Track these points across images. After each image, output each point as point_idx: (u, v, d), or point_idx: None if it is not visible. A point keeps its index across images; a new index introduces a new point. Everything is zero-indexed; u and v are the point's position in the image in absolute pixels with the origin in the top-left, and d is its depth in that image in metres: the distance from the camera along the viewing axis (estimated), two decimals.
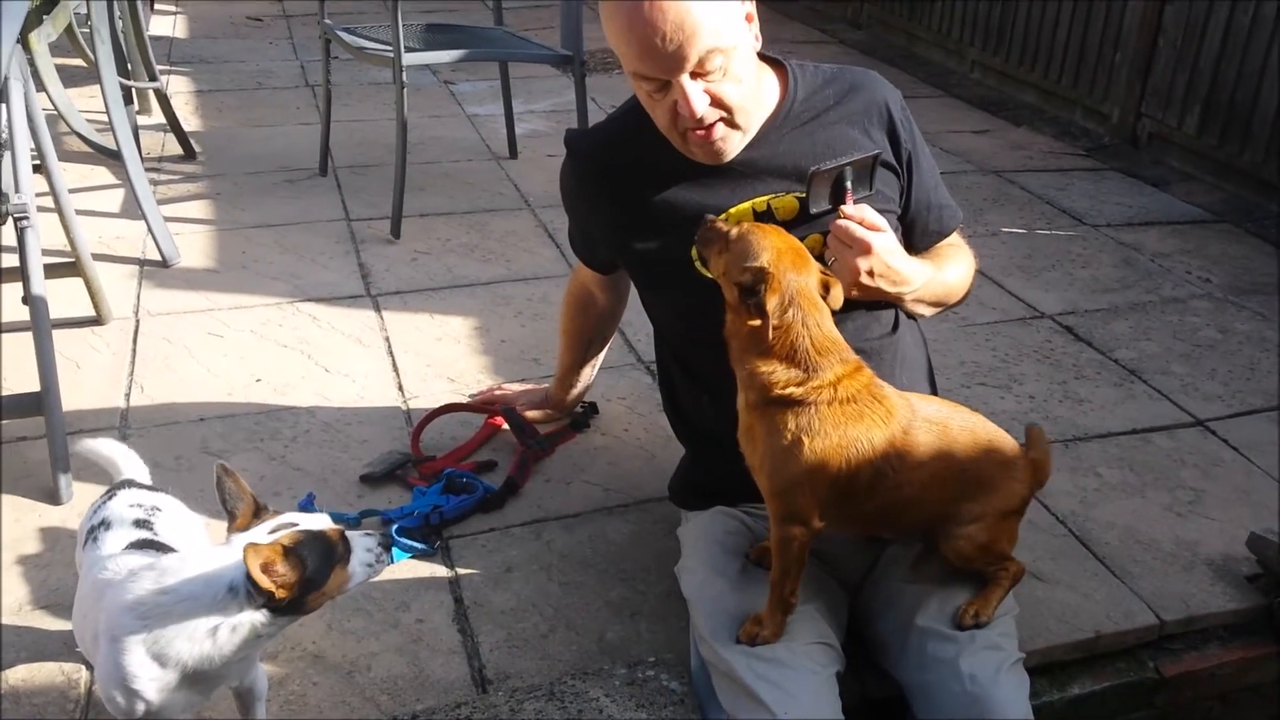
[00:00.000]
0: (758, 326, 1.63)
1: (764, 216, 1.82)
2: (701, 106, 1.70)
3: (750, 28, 1.75)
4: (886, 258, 1.73)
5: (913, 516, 1.79)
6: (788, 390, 1.64)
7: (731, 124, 1.76)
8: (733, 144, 1.79)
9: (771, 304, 1.62)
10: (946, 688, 1.72)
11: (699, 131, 1.75)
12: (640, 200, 1.89)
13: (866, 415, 1.67)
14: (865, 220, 1.73)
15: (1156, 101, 4.84)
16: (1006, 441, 1.82)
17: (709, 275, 1.76)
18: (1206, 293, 3.60)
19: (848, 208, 1.74)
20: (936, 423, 1.74)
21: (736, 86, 1.72)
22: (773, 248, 1.64)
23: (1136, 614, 2.17)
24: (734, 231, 1.67)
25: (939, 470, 1.73)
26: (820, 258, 1.78)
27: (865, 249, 1.71)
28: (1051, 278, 3.63)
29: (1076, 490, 2.54)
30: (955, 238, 2.06)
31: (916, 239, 1.98)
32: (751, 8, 1.75)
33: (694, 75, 1.68)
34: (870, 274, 1.73)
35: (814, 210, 1.76)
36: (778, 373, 1.65)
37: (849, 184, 1.74)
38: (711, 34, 1.64)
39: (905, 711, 1.81)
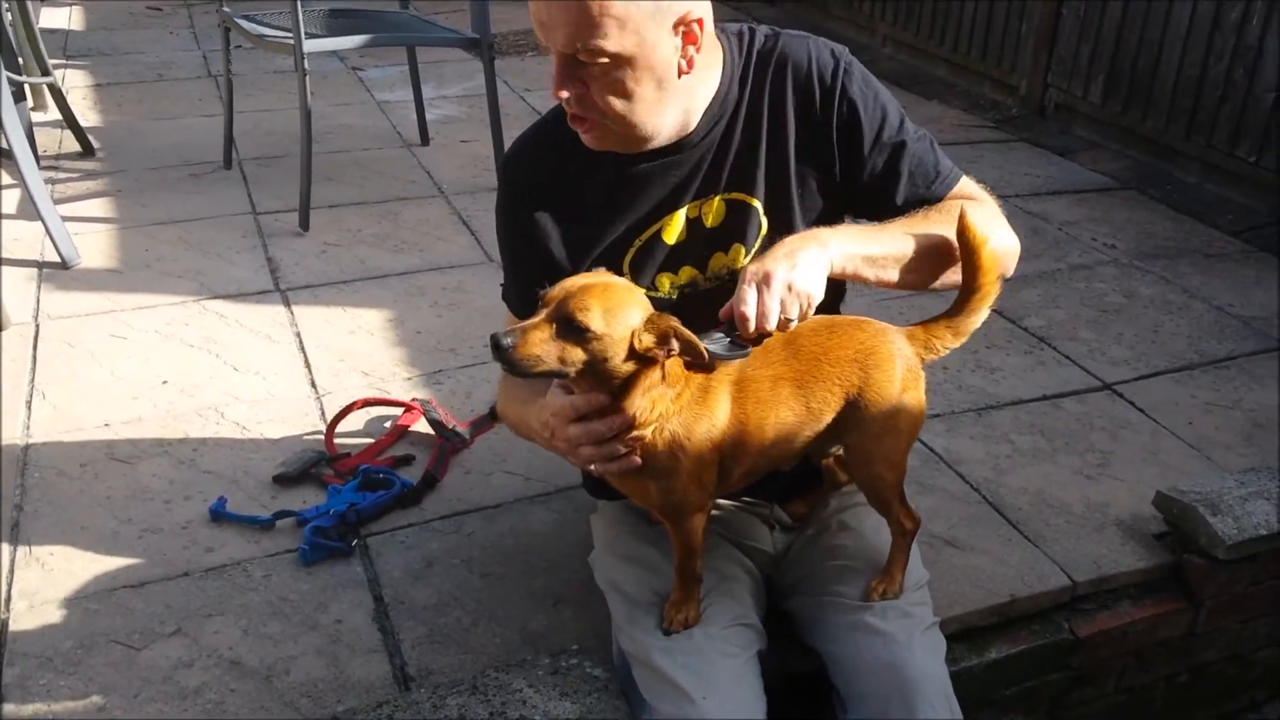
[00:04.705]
0: (662, 365, 1.57)
1: (695, 224, 1.76)
2: (564, 90, 1.58)
3: (674, 45, 1.57)
4: (797, 291, 1.56)
5: (775, 455, 1.72)
6: (667, 413, 1.60)
7: (603, 126, 1.64)
8: (609, 141, 1.67)
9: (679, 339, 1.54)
10: (862, 656, 1.75)
11: (571, 112, 1.64)
12: (573, 213, 1.77)
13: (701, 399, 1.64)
14: (762, 320, 1.54)
15: (1062, 72, 4.92)
16: (854, 336, 1.70)
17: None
18: (1112, 259, 3.68)
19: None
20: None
21: (618, 100, 1.59)
22: (638, 297, 1.57)
23: (1050, 576, 2.21)
24: (596, 324, 1.50)
25: (768, 404, 1.67)
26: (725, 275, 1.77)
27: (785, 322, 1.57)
28: None
29: (989, 457, 2.58)
30: (966, 189, 1.82)
31: (885, 205, 1.76)
32: (696, 27, 1.58)
33: (573, 59, 1.55)
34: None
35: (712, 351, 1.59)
36: (665, 398, 1.60)
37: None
38: (600, 32, 1.51)
39: (828, 683, 1.84)
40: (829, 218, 1.76)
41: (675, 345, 1.53)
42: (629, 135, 1.66)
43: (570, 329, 1.50)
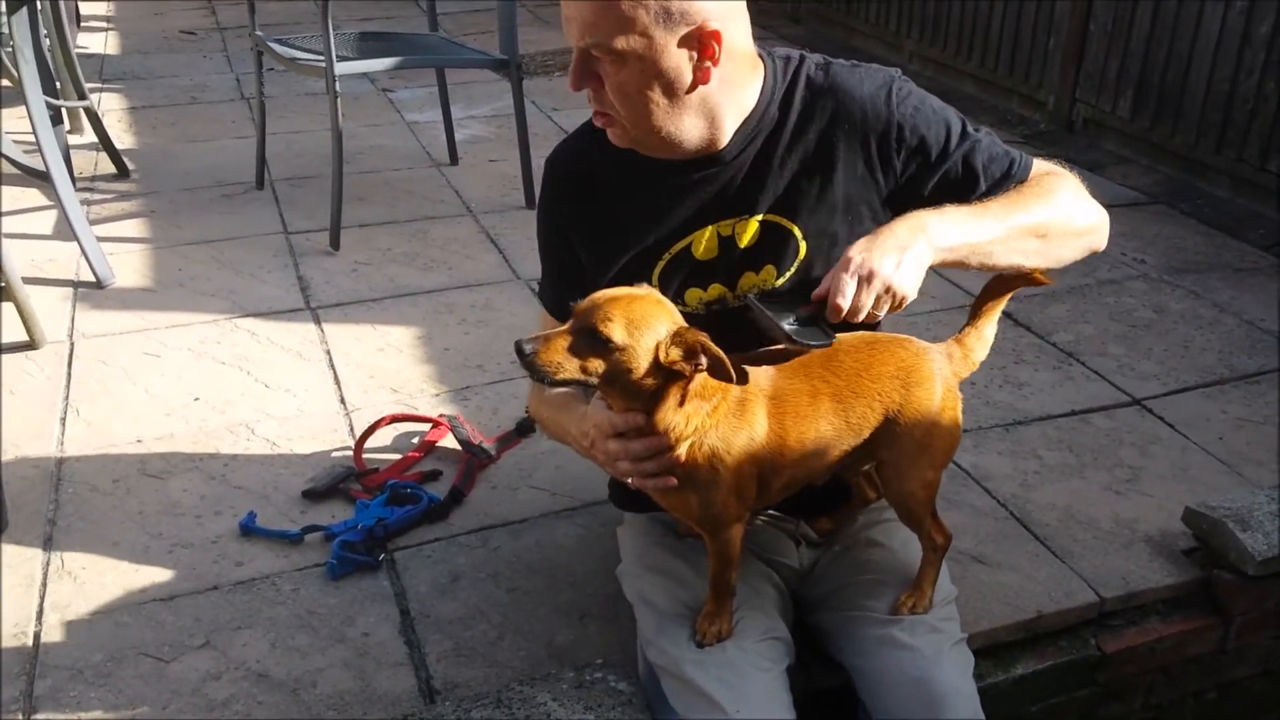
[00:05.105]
0: (690, 379, 1.58)
1: (727, 242, 1.77)
2: (577, 83, 1.64)
3: (687, 54, 1.59)
4: (894, 291, 1.57)
5: (813, 468, 1.73)
6: (702, 428, 1.62)
7: (622, 126, 1.68)
8: (627, 140, 1.71)
9: (708, 355, 1.54)
10: (891, 671, 1.74)
11: (594, 109, 1.69)
12: (607, 218, 1.81)
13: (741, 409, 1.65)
14: (855, 307, 1.56)
15: (1090, 87, 4.90)
16: (896, 354, 1.72)
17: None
18: (1141, 273, 3.66)
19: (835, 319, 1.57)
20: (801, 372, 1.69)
21: (628, 100, 1.62)
22: (666, 311, 1.58)
23: (1077, 592, 2.19)
24: (618, 335, 1.52)
25: (806, 417, 1.68)
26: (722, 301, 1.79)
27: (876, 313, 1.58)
28: None
29: (1017, 473, 2.57)
30: (1044, 167, 1.82)
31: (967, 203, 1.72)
32: (714, 41, 1.58)
33: (588, 54, 1.60)
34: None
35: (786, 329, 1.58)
36: (700, 412, 1.61)
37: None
38: (608, 30, 1.55)
39: (853, 699, 1.83)
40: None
41: (704, 361, 1.54)
42: (647, 138, 1.69)
43: (593, 340, 1.52)
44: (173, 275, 3.53)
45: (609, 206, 1.80)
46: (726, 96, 1.68)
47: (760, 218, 1.76)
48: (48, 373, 2.95)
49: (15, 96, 3.49)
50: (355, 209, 3.97)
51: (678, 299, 1.78)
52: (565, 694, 1.84)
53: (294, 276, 3.54)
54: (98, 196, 4.18)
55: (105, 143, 4.38)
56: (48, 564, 2.25)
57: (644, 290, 1.60)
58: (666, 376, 1.56)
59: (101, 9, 7.34)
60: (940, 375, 1.73)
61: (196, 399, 2.84)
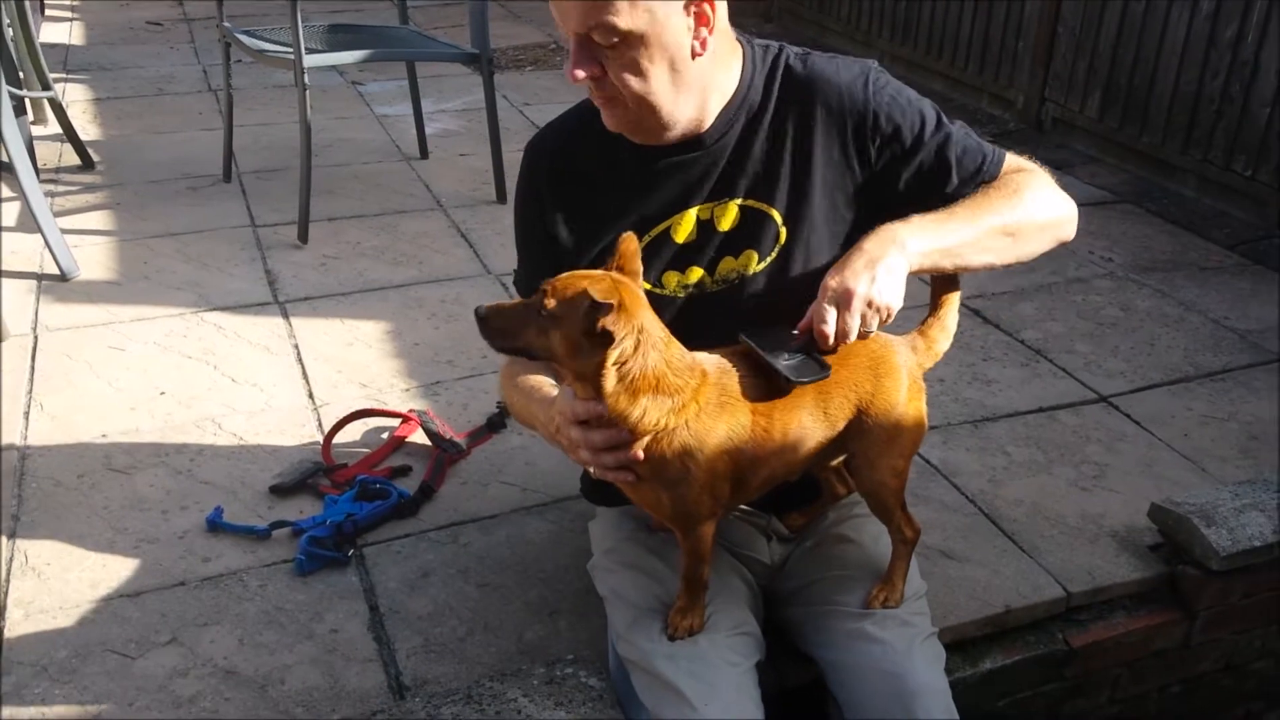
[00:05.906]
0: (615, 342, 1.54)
1: (706, 226, 1.76)
2: (579, 73, 1.61)
3: (686, 24, 1.60)
4: (878, 306, 1.60)
5: (791, 463, 1.73)
6: (663, 424, 1.59)
7: (624, 108, 1.66)
8: (626, 123, 1.70)
9: (619, 327, 1.51)
10: (862, 665, 1.75)
11: (596, 94, 1.67)
12: (586, 203, 1.81)
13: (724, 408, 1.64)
14: (843, 332, 1.59)
15: (1059, 87, 4.95)
16: (865, 345, 1.71)
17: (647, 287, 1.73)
18: (1109, 272, 3.69)
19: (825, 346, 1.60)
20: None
21: (634, 79, 1.60)
22: (602, 280, 1.55)
23: (1044, 587, 2.21)
24: (549, 303, 1.52)
25: (789, 411, 1.67)
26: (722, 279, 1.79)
27: (864, 330, 1.60)
28: None
29: (985, 469, 2.59)
30: (1014, 164, 1.82)
31: (939, 197, 1.75)
32: (708, 8, 1.59)
33: (588, 40, 1.58)
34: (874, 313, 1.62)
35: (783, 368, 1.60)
36: (661, 408, 1.58)
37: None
38: (612, 9, 1.53)
39: (822, 695, 1.84)
40: (886, 214, 1.73)
41: (608, 305, 1.47)
42: (646, 119, 1.68)
43: (536, 311, 1.53)
44: (138, 268, 3.49)
45: (588, 190, 1.80)
46: (713, 75, 1.68)
47: (739, 202, 1.76)
48: (11, 366, 2.91)
49: None
50: (324, 202, 3.94)
51: (655, 282, 1.78)
52: (536, 690, 1.83)
53: (261, 270, 3.50)
54: (62, 188, 4.12)
55: (70, 134, 4.33)
56: (11, 559, 2.21)
57: (599, 272, 1.58)
58: (601, 343, 1.52)
59: None
60: (905, 366, 1.75)
61: (162, 393, 2.81)
